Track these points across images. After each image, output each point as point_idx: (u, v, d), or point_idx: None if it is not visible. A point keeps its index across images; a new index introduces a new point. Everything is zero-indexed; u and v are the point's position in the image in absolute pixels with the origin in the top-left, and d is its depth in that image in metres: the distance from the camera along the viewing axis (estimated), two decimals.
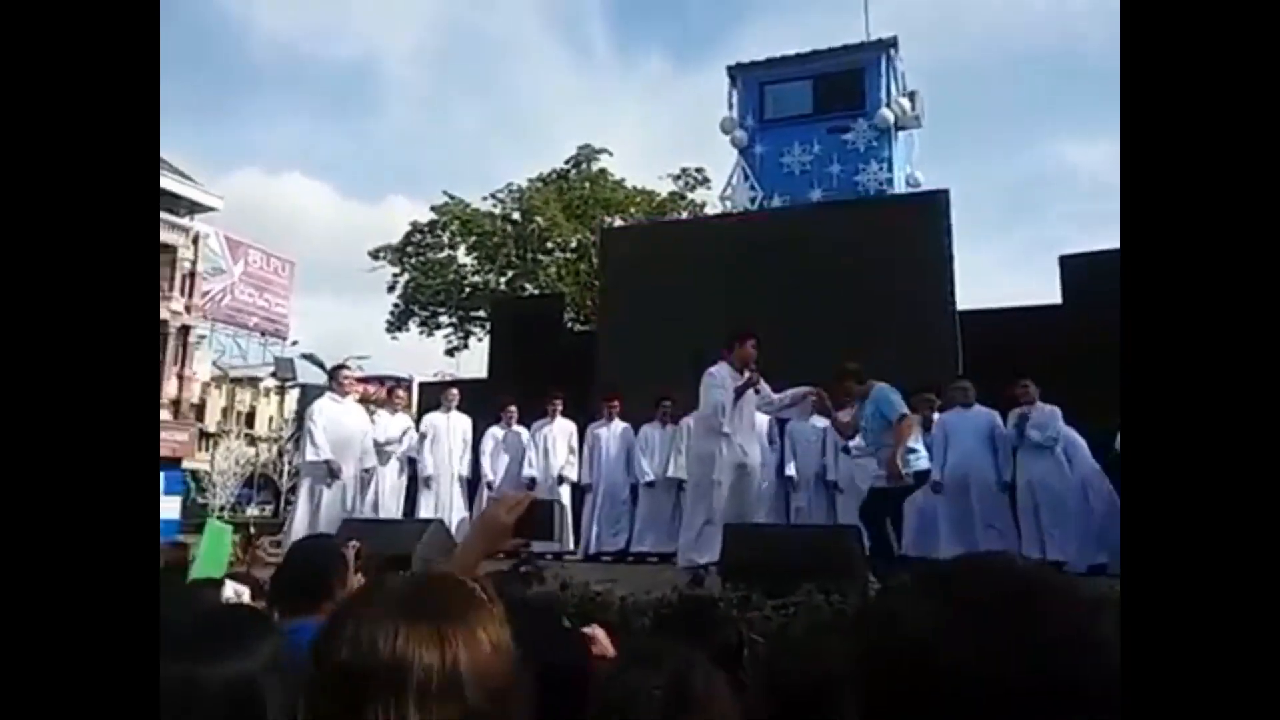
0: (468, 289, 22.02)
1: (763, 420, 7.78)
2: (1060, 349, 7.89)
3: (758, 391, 5.93)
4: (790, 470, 7.70)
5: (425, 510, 8.10)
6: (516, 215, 21.51)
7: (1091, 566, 6.65)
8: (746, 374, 5.82)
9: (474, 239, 21.58)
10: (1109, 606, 0.70)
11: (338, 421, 7.45)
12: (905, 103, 10.28)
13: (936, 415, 7.32)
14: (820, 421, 7.84)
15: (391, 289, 22.35)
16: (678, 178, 21.47)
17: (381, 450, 7.85)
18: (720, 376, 5.84)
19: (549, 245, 21.37)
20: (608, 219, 20.93)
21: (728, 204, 11.06)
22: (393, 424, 8.16)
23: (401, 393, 9.65)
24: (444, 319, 22.33)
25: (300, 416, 8.79)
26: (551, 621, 2.48)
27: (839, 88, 10.29)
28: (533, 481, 8.31)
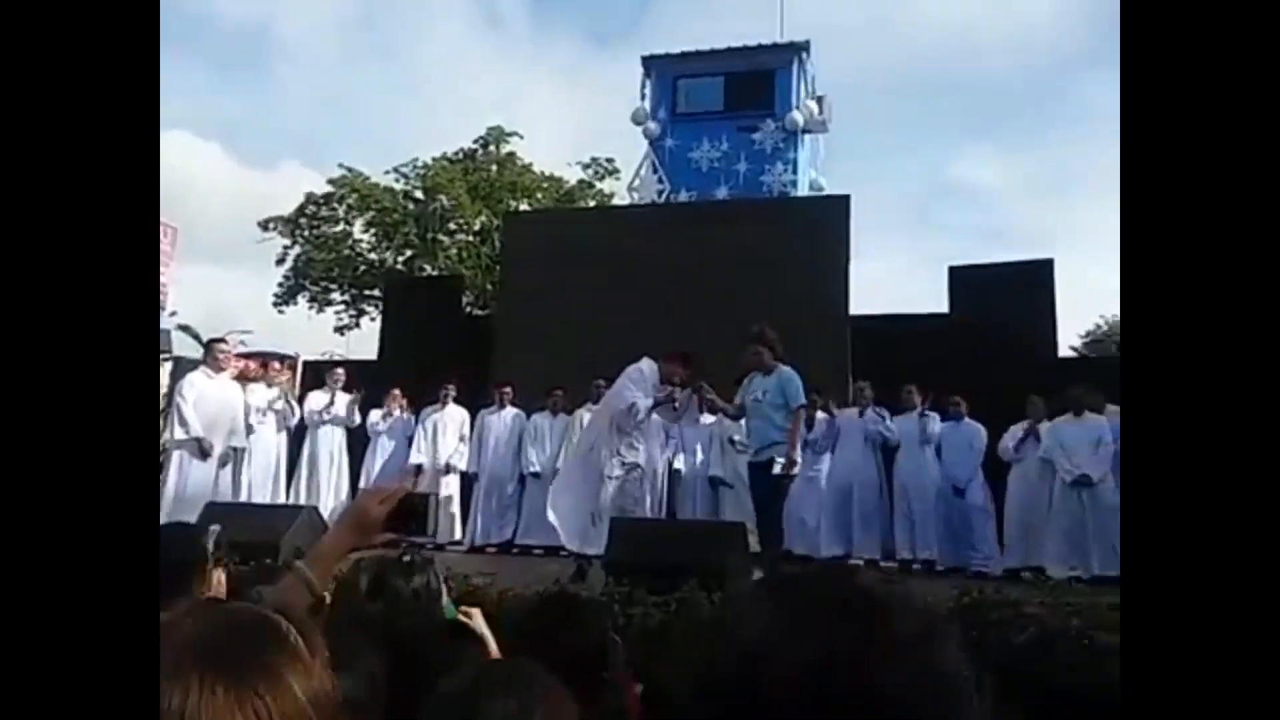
0: (363, 266, 21.27)
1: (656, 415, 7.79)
2: (946, 356, 8.20)
3: (675, 409, 5.96)
4: (679, 465, 7.68)
5: (303, 495, 7.74)
6: (419, 193, 20.90)
7: (953, 566, 6.95)
8: (669, 389, 5.79)
9: (372, 214, 20.87)
10: (947, 625, 0.66)
11: (210, 398, 6.99)
12: (813, 106, 10.45)
13: (820, 414, 7.49)
14: (706, 419, 7.90)
15: (281, 261, 21.40)
16: (587, 166, 21.33)
17: (248, 425, 7.40)
18: (646, 378, 5.78)
19: (451, 226, 20.88)
20: (514, 203, 20.59)
21: (635, 195, 11.02)
22: (262, 395, 7.72)
23: (279, 365, 9.20)
24: (336, 296, 21.53)
25: (171, 392, 8.25)
26: (430, 617, 2.36)
27: (750, 87, 10.37)
28: (419, 469, 8.06)
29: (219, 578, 2.48)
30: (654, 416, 7.30)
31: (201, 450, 6.74)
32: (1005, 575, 6.56)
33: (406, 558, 2.69)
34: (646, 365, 5.84)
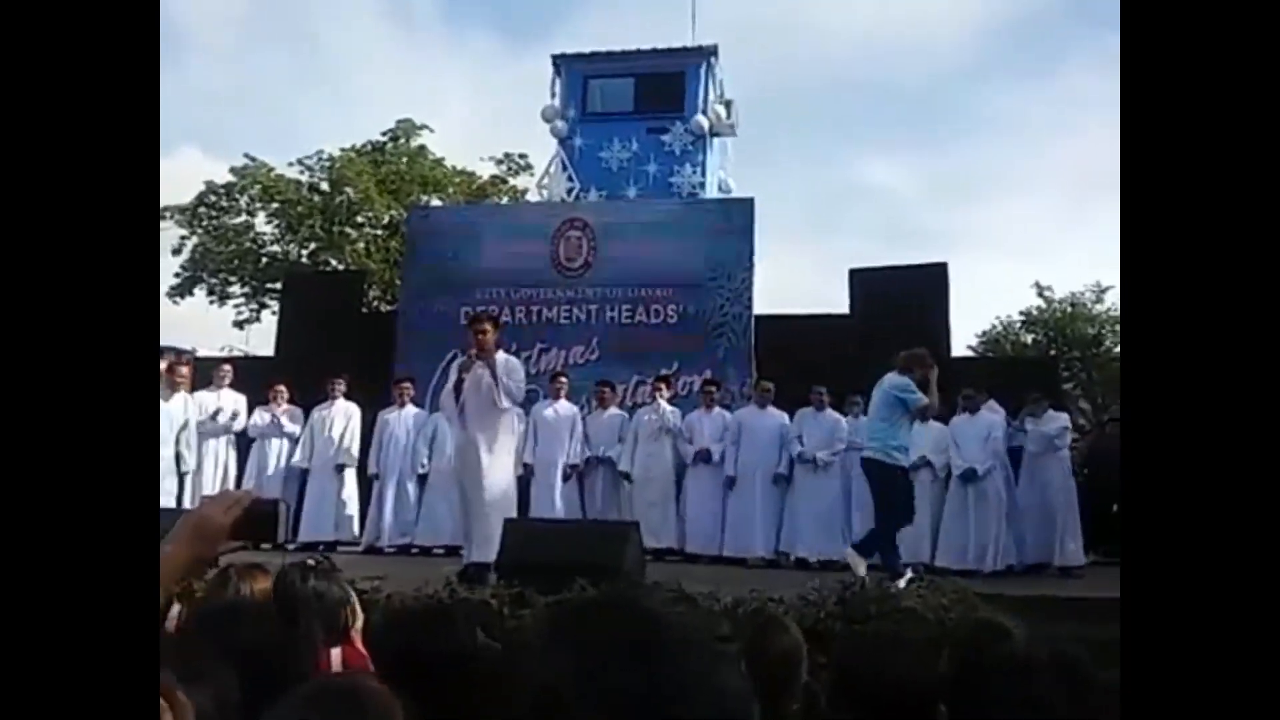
0: (265, 258, 20.52)
1: (566, 413, 7.77)
2: (847, 355, 8.44)
3: (494, 375, 5.41)
4: (528, 457, 7.57)
5: (187, 500, 7.41)
6: (325, 185, 20.27)
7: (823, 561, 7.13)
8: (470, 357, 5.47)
9: (276, 206, 20.13)
10: (725, 646, 0.67)
11: None
12: (721, 110, 10.58)
13: (718, 410, 7.61)
14: (612, 411, 7.93)
15: (177, 252, 20.44)
16: (500, 161, 21.04)
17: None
18: (453, 367, 5.63)
19: (359, 219, 20.32)
20: (425, 197, 20.17)
21: (544, 193, 10.95)
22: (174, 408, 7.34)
23: (184, 370, 8.79)
24: (236, 289, 20.70)
25: None
26: (333, 624, 2.29)
27: (660, 89, 10.43)
28: (305, 471, 7.84)
29: None
30: (547, 412, 7.29)
31: None
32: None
33: (312, 562, 2.60)
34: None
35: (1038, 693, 1.66)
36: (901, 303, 8.68)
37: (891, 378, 5.62)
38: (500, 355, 5.57)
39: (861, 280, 9.14)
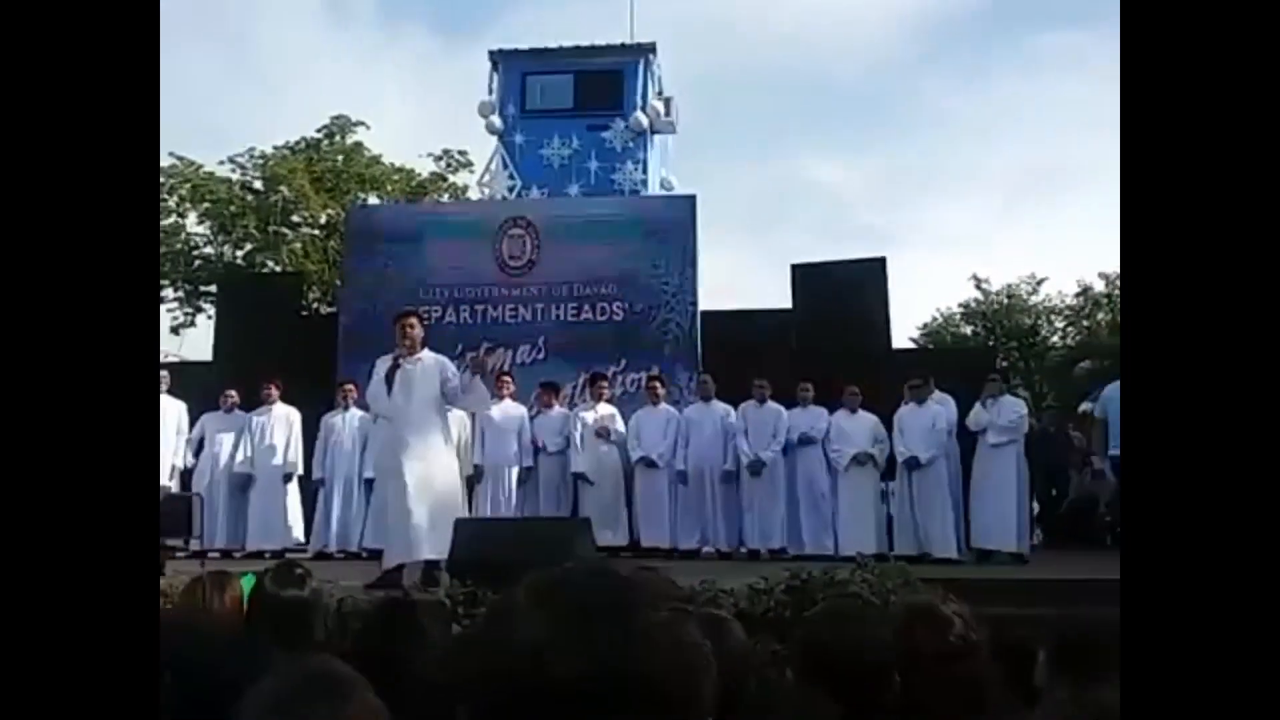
0: (198, 260, 19.93)
1: (514, 414, 7.74)
2: (791, 348, 8.61)
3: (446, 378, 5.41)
4: (477, 459, 7.57)
5: None
6: (259, 184, 19.77)
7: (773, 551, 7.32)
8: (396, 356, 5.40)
9: (207, 206, 19.55)
10: (685, 606, 0.73)
11: None
12: (660, 107, 10.64)
13: (664, 406, 7.71)
14: (557, 409, 7.94)
15: None
16: (439, 158, 20.78)
17: None
18: (379, 364, 5.51)
19: (295, 219, 19.87)
20: (363, 195, 19.81)
21: (486, 191, 10.88)
22: None
23: None
24: (169, 292, 20.07)
25: None
26: (306, 630, 2.28)
27: (599, 86, 10.44)
28: (248, 478, 7.70)
29: None
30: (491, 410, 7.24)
31: None
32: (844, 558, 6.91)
33: (299, 569, 2.58)
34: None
35: (976, 670, 1.75)
36: (842, 296, 8.87)
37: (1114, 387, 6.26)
38: (429, 354, 5.53)
39: (803, 275, 9.30)
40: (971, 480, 7.32)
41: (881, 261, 9.29)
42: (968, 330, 22.59)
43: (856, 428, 7.52)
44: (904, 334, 19.98)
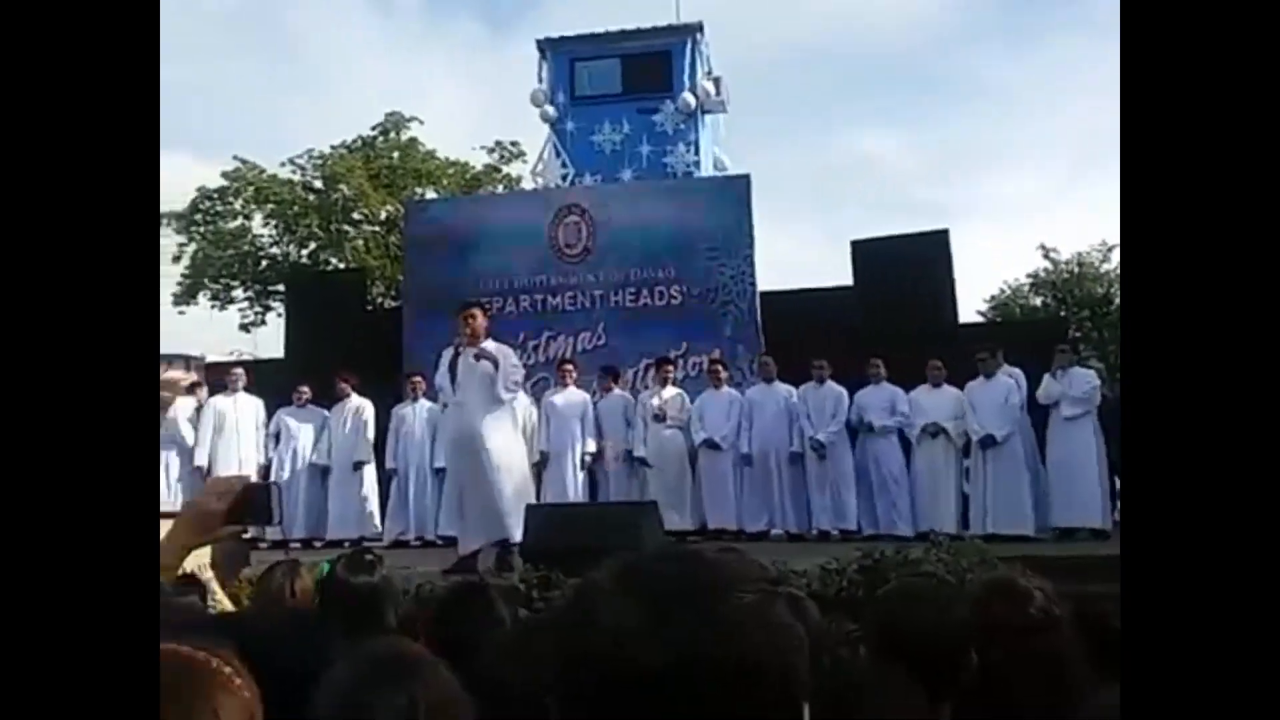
0: (265, 260, 20.53)
1: (577, 400, 7.81)
2: (852, 327, 8.48)
3: (478, 359, 5.49)
4: (542, 445, 7.65)
5: None
6: (319, 183, 20.25)
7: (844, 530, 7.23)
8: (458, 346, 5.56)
9: (271, 207, 20.10)
10: (776, 587, 0.73)
11: None
12: (710, 87, 10.54)
13: (727, 389, 7.70)
14: (616, 393, 7.98)
15: (177, 259, 20.47)
16: (492, 150, 20.99)
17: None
18: (444, 355, 5.67)
19: (356, 216, 20.30)
20: (419, 190, 20.12)
21: (539, 180, 10.95)
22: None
23: (185, 369, 8.92)
24: (238, 293, 20.72)
25: None
26: (377, 615, 2.37)
27: (647, 69, 10.40)
28: (326, 470, 7.94)
29: None
30: (557, 399, 7.33)
31: None
32: (917, 537, 6.80)
33: (370, 556, 2.68)
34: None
35: (1059, 646, 1.72)
36: (905, 272, 8.69)
37: None
38: (491, 343, 5.62)
39: (863, 251, 9.15)
40: (1047, 456, 7.11)
41: (944, 234, 9.07)
42: (1037, 301, 21.95)
43: (937, 403, 7.34)
44: (970, 308, 19.53)
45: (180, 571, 1.74)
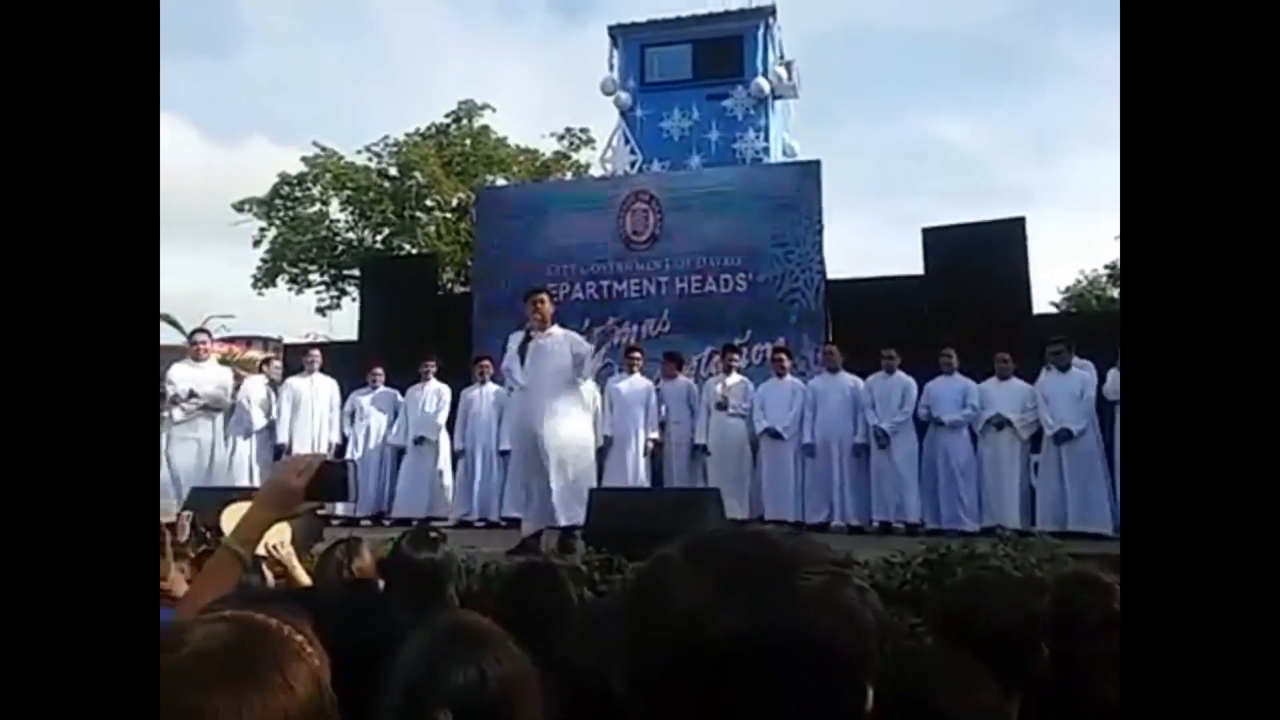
0: (340, 245, 21.12)
1: (641, 387, 7.85)
2: (923, 316, 8.32)
3: (578, 355, 5.59)
4: (606, 430, 7.65)
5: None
6: (394, 170, 20.72)
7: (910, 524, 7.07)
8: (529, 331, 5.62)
9: (348, 193, 20.67)
10: (846, 570, 0.73)
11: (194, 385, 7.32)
12: (782, 72, 10.42)
13: (790, 378, 7.61)
14: (681, 380, 7.98)
15: (258, 244, 21.22)
16: (562, 137, 21.16)
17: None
18: (511, 339, 5.75)
19: (429, 203, 20.72)
20: (490, 177, 20.42)
21: (608, 167, 10.99)
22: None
23: (277, 363, 9.27)
24: (315, 276, 21.37)
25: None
26: (439, 591, 2.45)
27: (718, 54, 10.33)
28: (400, 450, 8.16)
29: (180, 567, 2.52)
30: (626, 385, 7.38)
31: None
32: (982, 532, 6.65)
33: (433, 534, 2.77)
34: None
35: None
36: (978, 260, 8.47)
37: None
38: (558, 329, 5.68)
39: (935, 238, 8.94)
40: (1119, 451, 6.88)
41: (1020, 222, 8.81)
42: (1115, 293, 21.17)
43: (1005, 396, 7.15)
44: (1044, 298, 18.95)
45: (261, 546, 1.83)
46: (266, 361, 9.07)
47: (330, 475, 1.45)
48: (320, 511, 5.51)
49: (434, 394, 8.26)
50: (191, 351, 7.56)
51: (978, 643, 1.55)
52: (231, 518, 1.77)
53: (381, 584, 2.62)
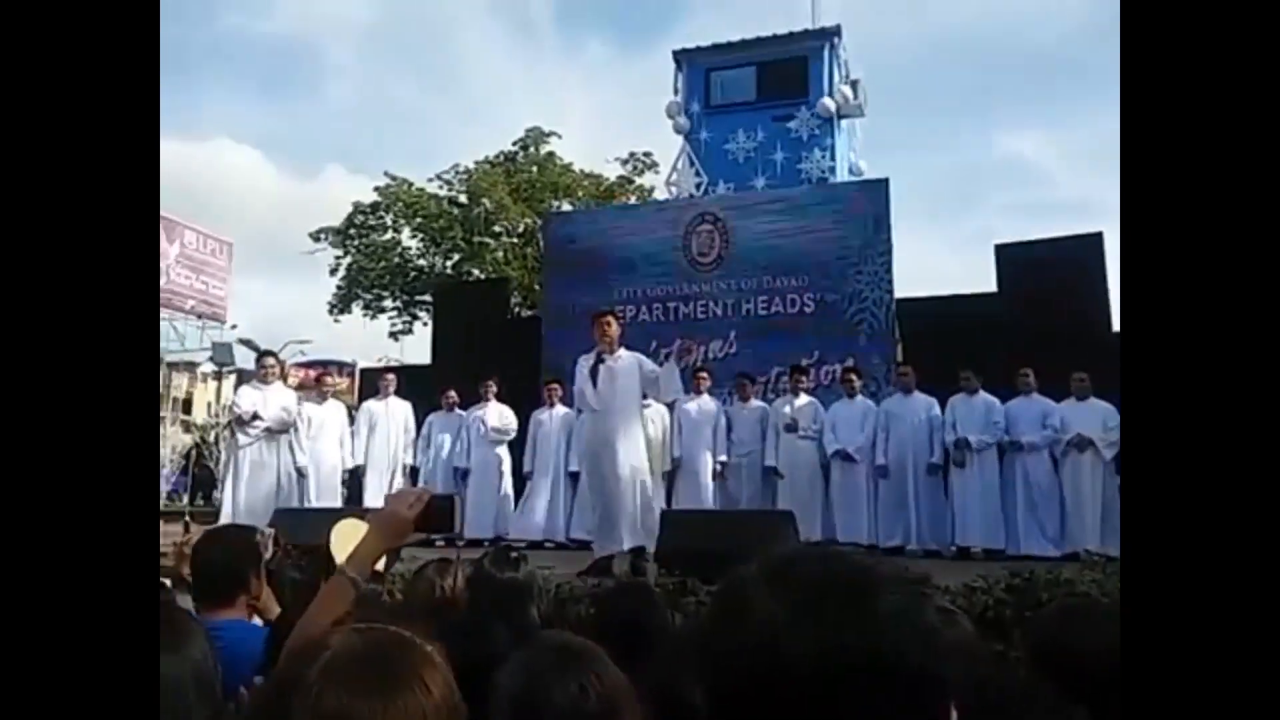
0: (413, 272, 21.70)
1: (709, 408, 7.84)
2: (998, 335, 8.12)
3: (656, 378, 5.56)
4: (676, 451, 7.65)
5: (368, 499, 7.99)
6: (463, 197, 21.24)
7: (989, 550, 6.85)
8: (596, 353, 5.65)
9: (419, 221, 21.25)
10: (922, 590, 0.73)
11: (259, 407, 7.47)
12: (847, 91, 10.37)
13: (860, 399, 7.44)
14: (754, 404, 7.93)
15: (334, 272, 21.95)
16: (625, 162, 21.41)
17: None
18: (581, 362, 5.77)
19: (496, 229, 21.16)
20: (556, 202, 20.76)
21: (672, 190, 11.07)
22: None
23: (330, 380, 9.56)
24: (388, 303, 21.99)
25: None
26: (523, 609, 2.49)
27: (782, 75, 10.34)
28: (466, 472, 8.33)
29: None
30: (696, 406, 7.37)
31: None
32: (1064, 557, 6.41)
33: (514, 554, 2.83)
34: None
35: None
36: (1054, 277, 8.24)
37: None
38: (626, 351, 5.72)
39: (1009, 255, 8.75)
40: None
41: (1097, 237, 8.55)
42: None
43: (1085, 416, 6.93)
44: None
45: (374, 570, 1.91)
46: (320, 378, 9.35)
47: (439, 508, 1.54)
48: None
49: (496, 416, 8.39)
50: (259, 375, 7.83)
51: (1071, 675, 1.51)
52: (339, 536, 1.84)
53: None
